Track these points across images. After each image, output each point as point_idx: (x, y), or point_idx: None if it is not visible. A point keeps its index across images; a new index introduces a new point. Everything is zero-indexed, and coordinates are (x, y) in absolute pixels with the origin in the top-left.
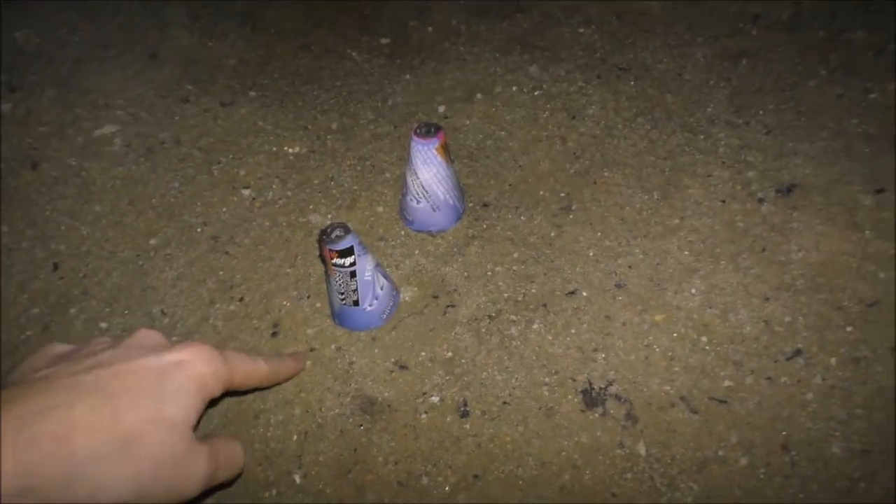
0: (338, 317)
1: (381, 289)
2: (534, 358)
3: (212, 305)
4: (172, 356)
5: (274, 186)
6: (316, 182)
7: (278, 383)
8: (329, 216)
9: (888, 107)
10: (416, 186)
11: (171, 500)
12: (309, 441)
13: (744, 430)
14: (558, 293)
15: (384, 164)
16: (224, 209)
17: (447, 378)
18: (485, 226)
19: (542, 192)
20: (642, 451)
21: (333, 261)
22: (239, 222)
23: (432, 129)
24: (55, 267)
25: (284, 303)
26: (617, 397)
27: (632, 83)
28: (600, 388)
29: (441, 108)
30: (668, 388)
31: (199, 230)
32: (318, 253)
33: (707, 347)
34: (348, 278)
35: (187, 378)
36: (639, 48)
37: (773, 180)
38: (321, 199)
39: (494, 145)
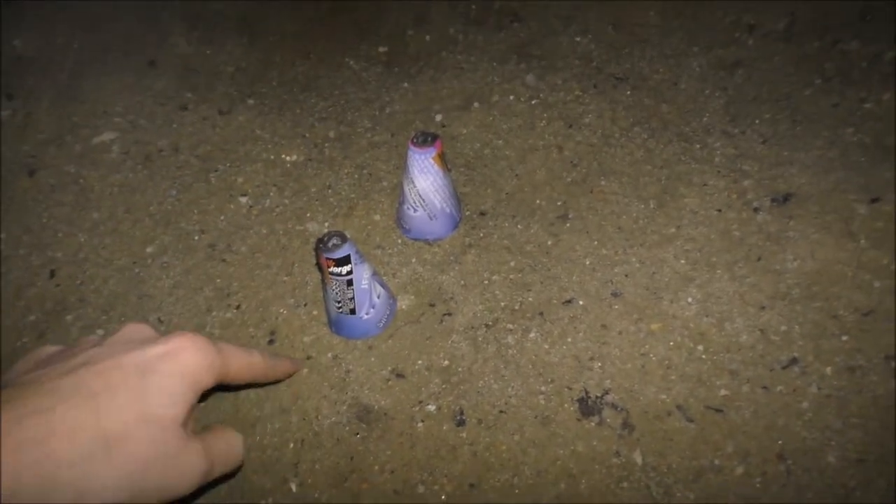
0: (334, 325)
1: (378, 297)
2: (530, 366)
3: (208, 313)
4: (159, 348)
5: (271, 194)
6: (313, 190)
7: (275, 380)
8: (326, 224)
9: (883, 116)
10: (412, 195)
11: (165, 499)
12: (305, 449)
13: (740, 439)
14: (555, 302)
15: (381, 172)
16: (221, 217)
17: (444, 386)
18: (481, 234)
19: (538, 201)
20: (638, 459)
21: (330, 269)
22: (236, 230)
23: (429, 138)
24: (52, 274)
25: (281, 311)
26: (613, 406)
27: (628, 93)
28: (596, 397)
29: (438, 117)
30: (664, 396)
31: (196, 238)
32: (314, 261)
33: (703, 356)
34: (345, 286)
35: (175, 370)
36: (635, 58)
37: (769, 189)
38: (318, 207)
39: (491, 154)
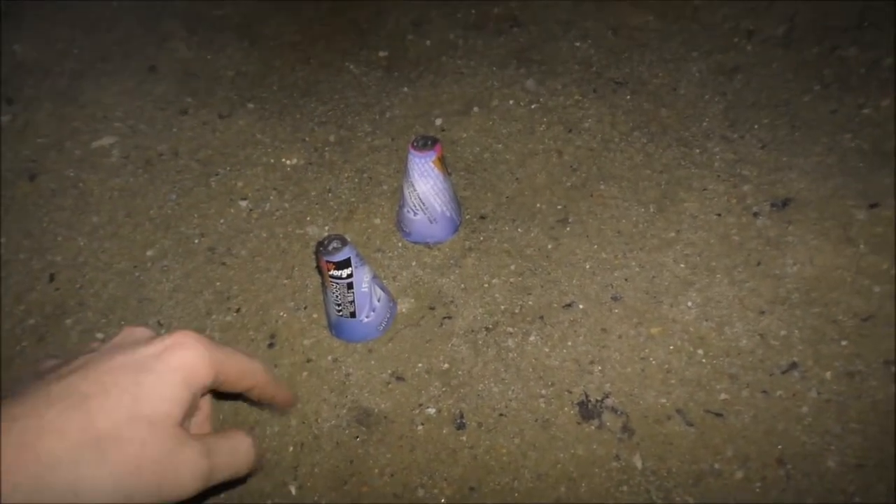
0: (334, 328)
1: (378, 300)
2: (530, 370)
3: (208, 316)
4: (153, 348)
5: (271, 198)
6: (313, 194)
7: (272, 400)
8: (326, 228)
9: (882, 122)
10: (413, 198)
11: (165, 500)
12: (305, 452)
13: (739, 444)
14: (555, 305)
15: (381, 176)
16: (221, 220)
17: (444, 390)
18: (482, 238)
19: (538, 205)
20: (638, 463)
21: (330, 272)
22: (236, 234)
23: (429, 142)
24: (52, 278)
25: (281, 314)
26: (613, 410)
27: (628, 97)
28: (596, 401)
29: (438, 121)
30: (664, 400)
31: (196, 241)
32: (314, 264)
33: (703, 360)
34: (345, 290)
35: (168, 369)
36: (634, 63)
37: (768, 194)
38: (318, 211)
39: (491, 158)
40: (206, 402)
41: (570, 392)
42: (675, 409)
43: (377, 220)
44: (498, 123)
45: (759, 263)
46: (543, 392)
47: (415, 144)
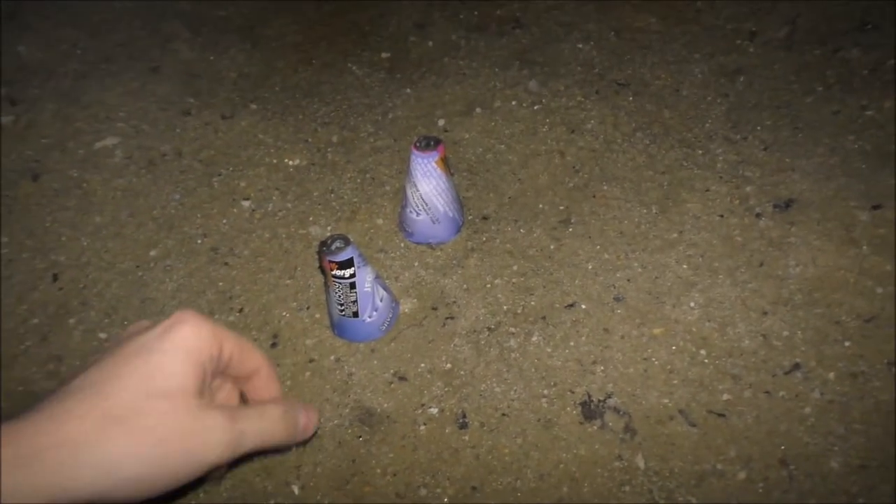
0: (337, 328)
1: (381, 300)
2: (533, 370)
3: (211, 316)
4: (155, 331)
5: (274, 198)
6: (316, 194)
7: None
8: (329, 228)
9: (884, 124)
10: (415, 199)
11: (193, 469)
12: (307, 452)
13: (742, 444)
14: (557, 306)
15: (384, 176)
16: (224, 221)
17: (446, 390)
18: (484, 238)
19: (541, 206)
20: (641, 463)
21: (333, 272)
22: (239, 234)
23: (432, 143)
24: (55, 278)
25: (284, 314)
26: (615, 410)
27: (630, 98)
28: (599, 401)
29: (441, 122)
30: (666, 401)
31: (199, 241)
32: (317, 264)
33: (706, 361)
34: (348, 290)
35: (172, 346)
36: (637, 64)
37: (771, 195)
38: (321, 212)
39: (494, 159)
40: (234, 397)
41: (573, 392)
42: (678, 409)
43: (380, 221)
44: (500, 124)
45: (761, 264)
46: (546, 392)
47: (418, 145)
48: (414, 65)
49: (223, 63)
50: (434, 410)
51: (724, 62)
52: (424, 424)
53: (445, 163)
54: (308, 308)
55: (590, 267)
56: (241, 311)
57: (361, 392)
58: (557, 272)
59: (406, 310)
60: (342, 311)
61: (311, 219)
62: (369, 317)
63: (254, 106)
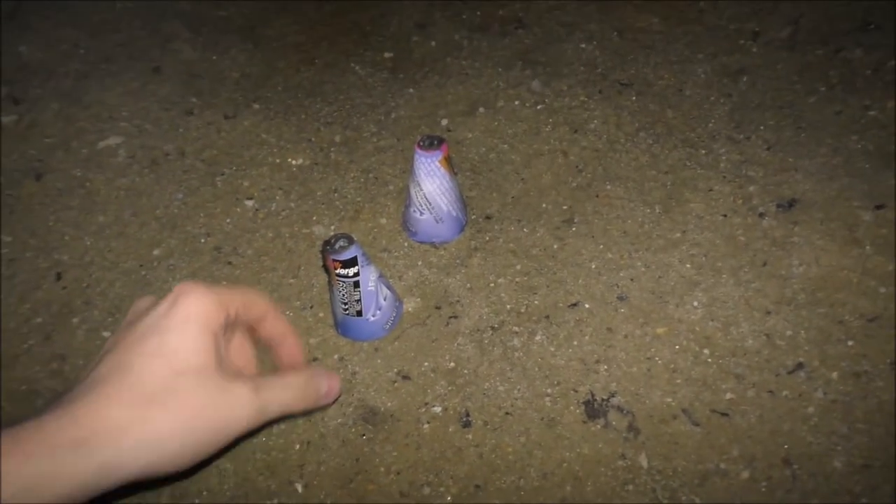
0: (341, 327)
1: (385, 299)
2: (536, 369)
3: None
4: (161, 308)
5: (277, 198)
6: (319, 194)
7: (287, 337)
8: (332, 227)
9: (887, 124)
10: (419, 198)
11: (220, 441)
12: (311, 451)
13: (745, 444)
14: (561, 305)
15: (387, 176)
16: (227, 220)
17: (449, 388)
18: (487, 238)
19: (544, 205)
20: (644, 463)
21: (337, 271)
22: (242, 233)
23: (436, 142)
24: (58, 277)
25: (287, 313)
26: (619, 409)
27: (633, 98)
28: (602, 400)
29: (444, 122)
30: (669, 400)
31: (202, 241)
32: (321, 263)
33: (709, 360)
34: (352, 289)
35: (183, 322)
36: (640, 64)
37: (774, 195)
38: (324, 211)
39: (497, 158)
40: (246, 345)
41: (576, 391)
42: (681, 408)
43: (383, 220)
44: (503, 124)
45: (764, 264)
46: (549, 391)
47: (421, 144)
48: (417, 65)
49: (225, 63)
50: (437, 409)
51: (727, 62)
52: (428, 423)
53: (449, 162)
54: (311, 307)
55: (593, 266)
56: None
57: (365, 391)
58: (561, 271)
59: (409, 309)
60: (346, 310)
61: (314, 218)
62: (373, 316)
63: (256, 106)
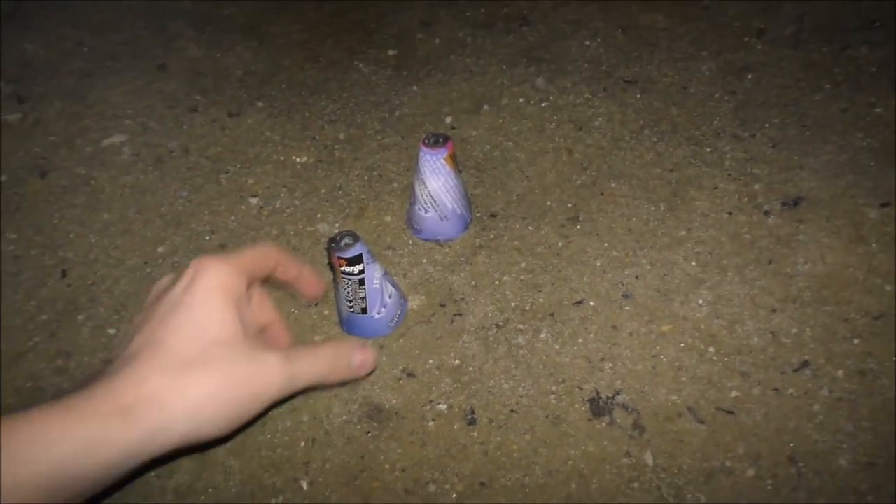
0: (346, 324)
1: (390, 297)
2: (541, 367)
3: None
4: (182, 283)
5: (282, 195)
6: (323, 191)
7: (301, 277)
8: (336, 225)
9: (892, 121)
10: (424, 196)
11: (254, 409)
12: (316, 448)
13: (751, 441)
14: (565, 303)
15: (392, 173)
16: (232, 218)
17: (454, 386)
18: (492, 235)
19: (549, 203)
20: (649, 460)
21: (342, 269)
22: (246, 231)
23: (441, 139)
24: (63, 274)
25: (292, 310)
26: (624, 407)
27: (638, 96)
28: (607, 398)
29: (448, 119)
30: (675, 398)
31: (206, 238)
32: (325, 261)
33: (714, 358)
34: (357, 286)
35: (206, 295)
36: (644, 62)
37: (779, 193)
38: (329, 209)
39: (501, 156)
40: (266, 298)
41: (581, 389)
42: (686, 406)
43: (388, 218)
44: (508, 121)
45: (770, 262)
46: (554, 389)
47: (426, 141)
48: (421, 62)
49: (229, 61)
50: (442, 407)
51: (732, 60)
52: (433, 420)
53: (454, 159)
54: (316, 304)
55: (598, 264)
56: None
57: (370, 388)
58: (565, 269)
59: (414, 306)
60: (351, 307)
61: (318, 216)
62: (378, 313)
63: (260, 103)
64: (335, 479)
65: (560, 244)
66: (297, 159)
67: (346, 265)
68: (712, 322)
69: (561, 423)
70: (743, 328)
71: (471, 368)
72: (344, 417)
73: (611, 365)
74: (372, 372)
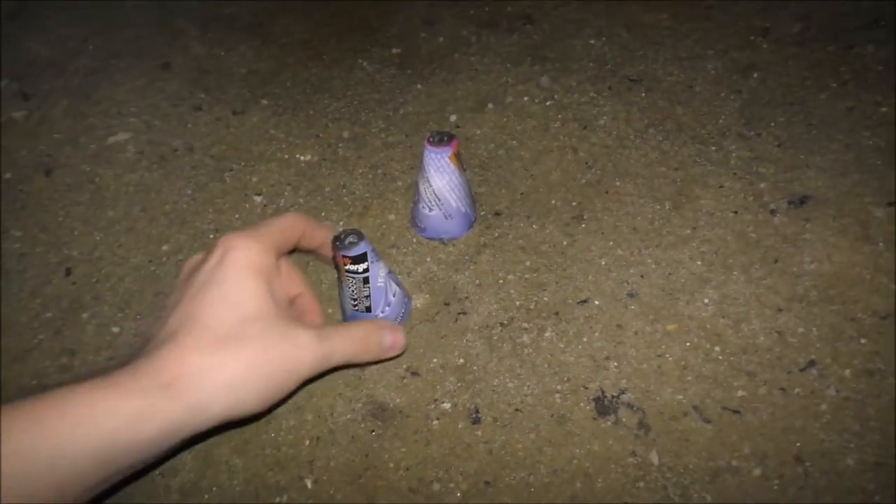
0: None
1: (394, 295)
2: (546, 366)
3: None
4: (212, 261)
5: (286, 193)
6: (327, 190)
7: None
8: (341, 223)
9: None
10: (428, 194)
11: (289, 385)
12: (320, 446)
13: (757, 441)
14: (570, 301)
15: (396, 172)
16: (236, 216)
17: (459, 385)
18: (496, 234)
19: (553, 202)
20: (655, 459)
21: (346, 267)
22: None
23: (445, 138)
24: (68, 272)
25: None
26: (629, 406)
27: (643, 94)
28: (613, 397)
29: (452, 118)
30: (680, 397)
31: (211, 236)
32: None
33: (720, 357)
34: (361, 284)
35: (237, 272)
36: (649, 60)
37: (785, 192)
38: (333, 207)
39: (506, 155)
40: (293, 269)
41: (586, 388)
42: (692, 405)
43: (392, 216)
44: (512, 120)
45: (776, 261)
46: (559, 388)
47: (431, 140)
48: (424, 61)
49: (233, 59)
50: (447, 405)
51: (737, 58)
52: (437, 419)
53: (459, 158)
54: (320, 303)
55: (603, 263)
56: None
57: (374, 387)
58: (570, 268)
59: (418, 305)
60: (355, 305)
61: (322, 214)
62: (382, 311)
63: (264, 102)
64: (339, 478)
65: (565, 243)
66: (302, 157)
67: (351, 263)
68: (718, 321)
69: (566, 422)
70: (749, 327)
71: (475, 367)
72: (348, 416)
73: (616, 364)
74: (402, 353)
